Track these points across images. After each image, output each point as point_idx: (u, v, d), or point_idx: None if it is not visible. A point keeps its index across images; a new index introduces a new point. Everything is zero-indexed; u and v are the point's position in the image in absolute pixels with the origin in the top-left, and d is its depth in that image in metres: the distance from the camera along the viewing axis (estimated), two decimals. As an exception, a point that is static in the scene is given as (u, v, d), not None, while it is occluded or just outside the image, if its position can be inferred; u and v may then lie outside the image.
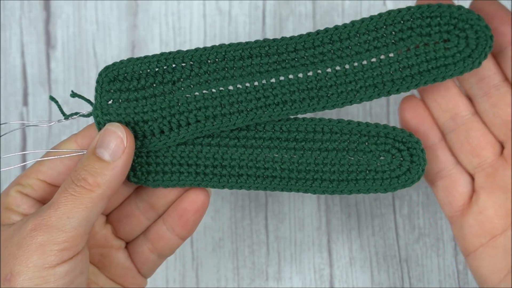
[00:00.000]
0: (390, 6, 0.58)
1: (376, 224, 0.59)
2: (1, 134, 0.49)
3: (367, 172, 0.45)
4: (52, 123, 0.45)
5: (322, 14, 0.59)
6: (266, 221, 0.59)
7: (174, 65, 0.44)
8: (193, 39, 0.60)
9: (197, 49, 0.44)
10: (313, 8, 0.59)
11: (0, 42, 0.60)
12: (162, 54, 0.44)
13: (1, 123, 0.51)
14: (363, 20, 0.43)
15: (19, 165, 0.45)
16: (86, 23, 0.60)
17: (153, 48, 0.60)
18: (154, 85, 0.44)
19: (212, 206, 0.59)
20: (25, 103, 0.60)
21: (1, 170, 0.48)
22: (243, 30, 0.59)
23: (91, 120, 0.56)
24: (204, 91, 0.44)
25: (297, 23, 0.59)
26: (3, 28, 0.60)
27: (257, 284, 0.59)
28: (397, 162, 0.45)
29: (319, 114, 0.58)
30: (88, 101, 0.46)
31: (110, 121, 0.44)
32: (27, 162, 0.45)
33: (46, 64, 0.60)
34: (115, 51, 0.60)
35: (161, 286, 0.59)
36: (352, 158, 0.45)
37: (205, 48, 0.44)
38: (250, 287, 0.59)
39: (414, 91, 0.53)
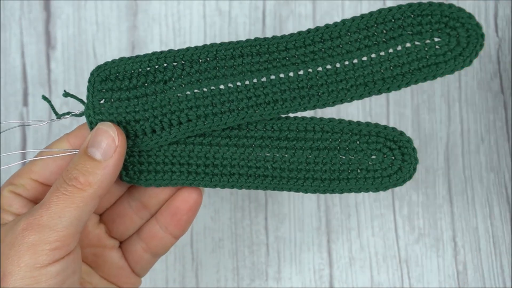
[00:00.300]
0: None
1: (376, 224, 0.58)
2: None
3: (359, 171, 0.45)
4: (44, 123, 0.45)
5: (322, 15, 0.59)
6: (266, 222, 0.59)
7: (165, 65, 0.44)
8: (193, 39, 0.60)
9: (188, 49, 0.44)
10: (313, 9, 0.59)
11: (0, 43, 0.61)
12: (153, 53, 0.44)
13: (-2, 122, 0.51)
14: (354, 19, 0.43)
15: (18, 162, 0.45)
16: (86, 23, 0.60)
17: (153, 48, 0.60)
18: (146, 84, 0.44)
19: (212, 206, 0.59)
20: (25, 103, 0.61)
21: (1, 168, 0.48)
22: (243, 31, 0.59)
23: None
24: (196, 90, 0.44)
25: (297, 23, 0.59)
26: (3, 29, 0.61)
27: (257, 284, 0.59)
28: (388, 161, 0.44)
29: (318, 114, 0.58)
30: (81, 100, 0.46)
31: (102, 120, 0.44)
32: (25, 160, 0.46)
33: (46, 64, 0.60)
34: (115, 52, 0.60)
35: (161, 286, 0.59)
36: (344, 157, 0.45)
37: (196, 47, 0.44)
38: (250, 287, 0.59)
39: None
